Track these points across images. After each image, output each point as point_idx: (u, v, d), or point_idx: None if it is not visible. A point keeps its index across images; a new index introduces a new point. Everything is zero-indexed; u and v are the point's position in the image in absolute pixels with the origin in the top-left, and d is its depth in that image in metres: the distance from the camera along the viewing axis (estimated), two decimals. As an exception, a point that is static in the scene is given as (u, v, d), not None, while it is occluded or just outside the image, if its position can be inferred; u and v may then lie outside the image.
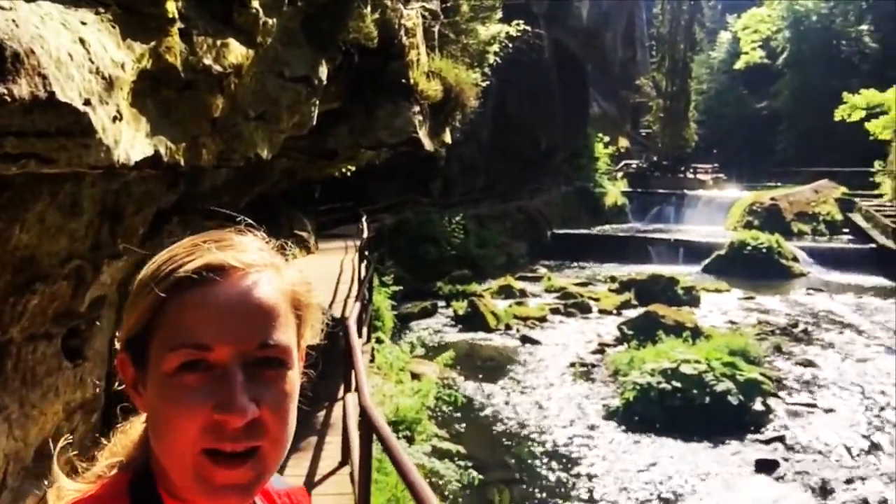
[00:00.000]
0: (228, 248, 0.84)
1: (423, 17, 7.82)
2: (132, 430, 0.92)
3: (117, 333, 0.88)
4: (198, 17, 3.62)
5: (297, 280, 0.89)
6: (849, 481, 9.22)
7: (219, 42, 3.76)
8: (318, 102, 5.21)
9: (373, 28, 5.69)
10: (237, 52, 3.95)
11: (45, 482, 0.90)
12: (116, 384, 0.90)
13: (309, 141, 6.27)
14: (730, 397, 11.20)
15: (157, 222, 5.36)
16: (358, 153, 8.58)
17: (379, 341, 12.61)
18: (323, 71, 5.15)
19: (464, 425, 11.30)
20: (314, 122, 5.29)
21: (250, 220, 0.94)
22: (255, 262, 0.84)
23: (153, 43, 3.26)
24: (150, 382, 0.82)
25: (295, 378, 0.85)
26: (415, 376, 12.09)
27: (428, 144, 7.99)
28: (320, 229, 19.88)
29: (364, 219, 18.20)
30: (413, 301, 18.92)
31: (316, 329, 0.93)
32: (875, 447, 10.29)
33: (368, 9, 5.62)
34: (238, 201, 9.22)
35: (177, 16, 3.39)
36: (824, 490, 9.03)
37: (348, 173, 14.56)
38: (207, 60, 3.65)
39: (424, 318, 18.60)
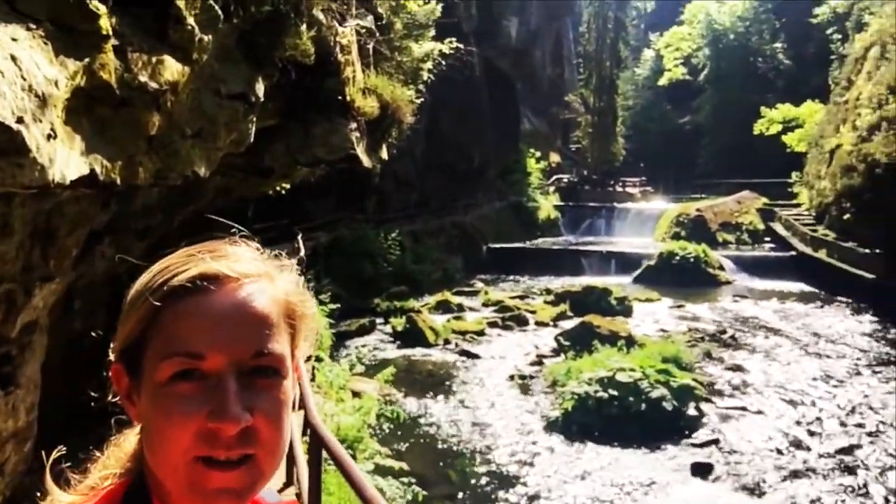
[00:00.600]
0: (223, 258, 0.85)
1: (358, 34, 7.86)
2: (126, 442, 0.91)
3: (112, 344, 0.88)
4: (132, 33, 3.56)
5: (292, 290, 0.89)
6: (779, 480, 9.56)
7: (154, 59, 3.70)
8: (255, 119, 5.17)
9: (309, 45, 5.68)
10: (173, 68, 3.89)
11: (38, 494, 0.88)
12: (110, 395, 0.90)
13: (246, 158, 6.21)
14: (664, 403, 11.48)
15: (90, 243, 5.21)
16: (295, 170, 8.52)
17: (318, 360, 12.46)
18: (260, 88, 5.12)
19: (406, 442, 11.26)
20: (252, 140, 5.24)
21: (245, 231, 0.94)
22: (250, 271, 0.85)
23: (87, 60, 3.20)
24: (145, 392, 0.82)
25: (289, 387, 0.85)
26: (355, 394, 11.98)
27: (366, 161, 7.99)
28: (255, 248, 19.49)
29: (300, 237, 18.00)
30: (351, 319, 18.78)
31: (311, 340, 0.93)
32: (801, 446, 10.70)
33: (304, 26, 5.61)
34: (171, 220, 9.02)
35: (111, 32, 3.34)
36: (757, 489, 9.34)
37: (283, 191, 14.40)
38: (143, 77, 3.59)
39: (363, 335, 18.49)
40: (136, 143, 3.67)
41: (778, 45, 51.75)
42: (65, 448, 0.94)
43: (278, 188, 13.92)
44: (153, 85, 3.69)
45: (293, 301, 0.88)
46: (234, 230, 0.95)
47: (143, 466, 0.86)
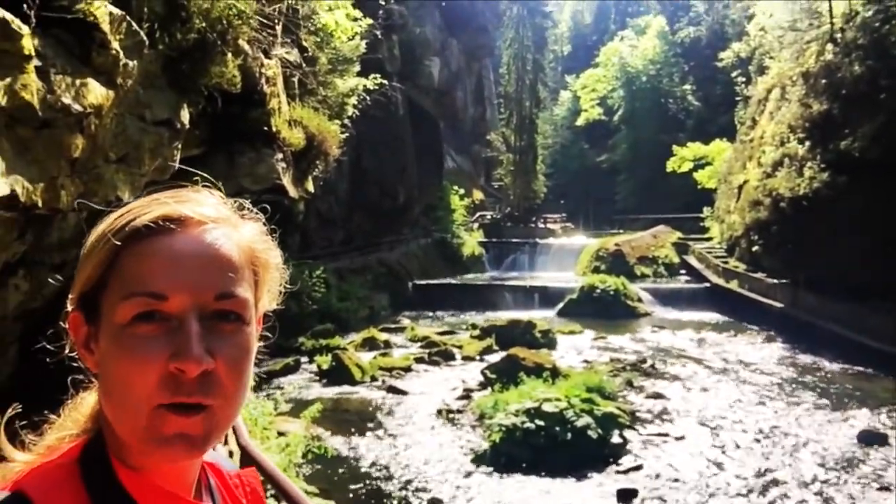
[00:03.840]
0: (186, 202, 0.84)
1: (284, 66, 7.88)
2: (83, 404, 0.90)
3: (70, 295, 0.86)
4: (56, 55, 3.50)
5: (257, 238, 0.89)
6: (701, 501, 9.82)
7: (78, 81, 3.64)
8: (180, 147, 5.11)
9: (236, 73, 5.67)
10: (97, 92, 3.83)
11: None
12: (67, 349, 0.87)
13: (169, 187, 6.12)
14: (590, 431, 11.65)
15: (3, 275, 4.99)
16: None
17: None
18: (185, 115, 5.07)
19: (334, 480, 11.05)
20: (177, 167, 5.17)
21: (209, 178, 0.95)
22: (213, 215, 0.84)
23: (8, 79, 3.13)
24: (103, 337, 0.80)
25: (252, 336, 0.84)
26: (281, 433, 11.71)
27: (293, 192, 7.95)
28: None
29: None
30: (275, 358, 18.40)
31: (274, 292, 0.93)
32: (720, 468, 11.03)
33: (230, 54, 5.61)
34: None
35: (33, 53, 3.27)
36: (680, 512, 9.56)
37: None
38: (66, 99, 3.52)
39: (287, 374, 18.11)
40: (59, 165, 3.57)
41: (687, 86, 54.45)
42: (20, 406, 0.92)
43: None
44: (76, 107, 3.62)
45: (257, 248, 0.88)
46: (196, 178, 0.95)
47: (102, 425, 0.85)
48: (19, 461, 0.85)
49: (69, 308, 0.86)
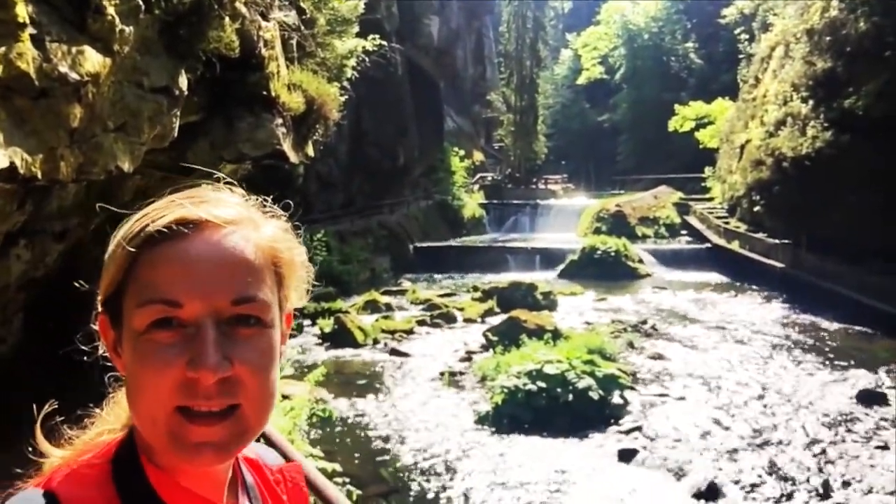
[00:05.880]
0: (203, 203, 0.82)
1: (282, 29, 7.77)
2: (123, 398, 0.88)
3: (98, 296, 0.85)
4: (51, 23, 3.43)
5: (279, 236, 0.87)
6: (701, 460, 9.95)
7: (74, 49, 3.58)
8: (179, 114, 5.05)
9: (234, 37, 5.58)
10: (94, 60, 3.76)
11: (30, 449, 0.87)
12: (100, 349, 0.88)
13: (169, 155, 6.06)
14: (591, 393, 11.76)
15: (4, 246, 4.98)
16: (219, 167, 8.34)
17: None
18: (183, 81, 5.00)
19: (338, 442, 11.18)
20: (176, 135, 5.12)
21: (228, 178, 0.92)
22: (231, 216, 0.82)
23: (3, 49, 3.08)
24: (125, 342, 0.80)
25: (275, 338, 0.83)
26: (285, 397, 11.82)
27: (293, 157, 7.90)
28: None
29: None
30: (277, 321, 18.50)
31: (302, 290, 0.91)
32: (721, 427, 11.15)
33: (228, 18, 5.52)
34: (88, 224, 8.71)
35: (28, 21, 3.21)
36: (680, 470, 9.68)
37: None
38: (63, 68, 3.46)
39: (290, 338, 18.13)
40: (57, 135, 3.54)
41: (689, 44, 53.71)
42: (57, 403, 0.92)
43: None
44: (74, 76, 3.57)
45: (279, 248, 0.86)
46: (217, 177, 0.93)
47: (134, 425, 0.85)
48: (56, 456, 0.86)
49: (98, 309, 0.86)
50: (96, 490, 0.80)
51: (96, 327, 0.87)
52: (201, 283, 0.77)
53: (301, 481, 1.03)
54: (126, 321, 0.80)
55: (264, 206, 0.90)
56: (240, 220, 0.83)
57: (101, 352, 0.88)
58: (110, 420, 0.90)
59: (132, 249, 0.79)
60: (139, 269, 0.79)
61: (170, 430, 0.77)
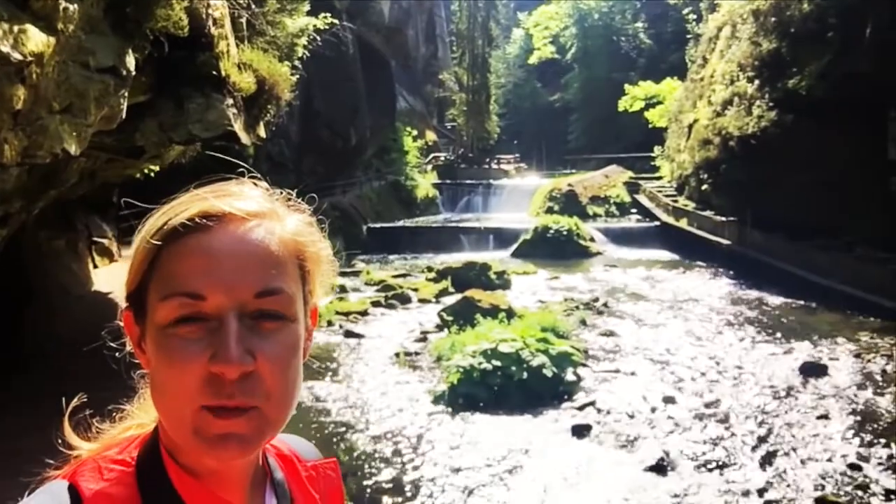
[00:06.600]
0: (226, 197, 0.82)
1: (231, 7, 7.59)
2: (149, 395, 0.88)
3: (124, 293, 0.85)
4: (-10, 0, 3.31)
5: (303, 230, 0.87)
6: (653, 434, 10.21)
7: (16, 28, 3.45)
8: (126, 95, 4.92)
9: (182, 15, 5.44)
10: (37, 39, 3.64)
11: (59, 441, 0.87)
12: (127, 346, 0.88)
13: (116, 137, 5.90)
14: (545, 370, 11.93)
15: (-56, 230, 4.81)
16: (168, 149, 8.15)
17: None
18: (130, 61, 4.87)
19: (294, 425, 11.12)
20: (123, 116, 4.99)
21: (254, 171, 0.91)
22: (254, 209, 0.82)
23: (-60, 27, 2.96)
24: (149, 337, 0.80)
25: (299, 332, 0.83)
26: (239, 379, 11.74)
27: (245, 138, 7.76)
28: (122, 236, 18.59)
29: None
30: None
31: (327, 285, 0.91)
32: (671, 402, 11.44)
33: (175, -3, 5.38)
34: (32, 206, 8.45)
35: (-34, -2, 3.09)
36: (632, 444, 9.93)
37: (151, 174, 13.73)
38: (4, 48, 3.34)
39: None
40: (1, 118, 3.42)
41: (639, 24, 54.26)
42: (86, 396, 0.92)
43: (146, 171, 13.28)
44: (16, 56, 3.44)
45: (303, 241, 0.86)
46: (241, 170, 0.91)
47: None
48: (84, 449, 0.86)
49: (123, 305, 0.86)
50: (119, 488, 0.80)
51: (121, 323, 0.87)
52: (224, 275, 0.77)
53: (337, 477, 1.03)
54: (150, 316, 0.80)
55: (288, 199, 0.90)
56: (263, 213, 0.83)
57: (127, 348, 0.88)
58: (140, 415, 0.90)
59: (156, 243, 0.79)
60: (163, 262, 0.79)
61: (194, 425, 0.77)
